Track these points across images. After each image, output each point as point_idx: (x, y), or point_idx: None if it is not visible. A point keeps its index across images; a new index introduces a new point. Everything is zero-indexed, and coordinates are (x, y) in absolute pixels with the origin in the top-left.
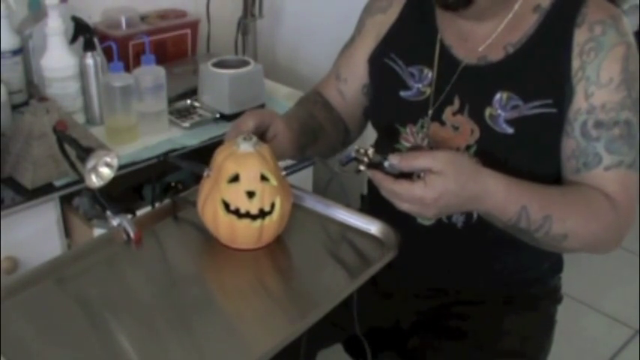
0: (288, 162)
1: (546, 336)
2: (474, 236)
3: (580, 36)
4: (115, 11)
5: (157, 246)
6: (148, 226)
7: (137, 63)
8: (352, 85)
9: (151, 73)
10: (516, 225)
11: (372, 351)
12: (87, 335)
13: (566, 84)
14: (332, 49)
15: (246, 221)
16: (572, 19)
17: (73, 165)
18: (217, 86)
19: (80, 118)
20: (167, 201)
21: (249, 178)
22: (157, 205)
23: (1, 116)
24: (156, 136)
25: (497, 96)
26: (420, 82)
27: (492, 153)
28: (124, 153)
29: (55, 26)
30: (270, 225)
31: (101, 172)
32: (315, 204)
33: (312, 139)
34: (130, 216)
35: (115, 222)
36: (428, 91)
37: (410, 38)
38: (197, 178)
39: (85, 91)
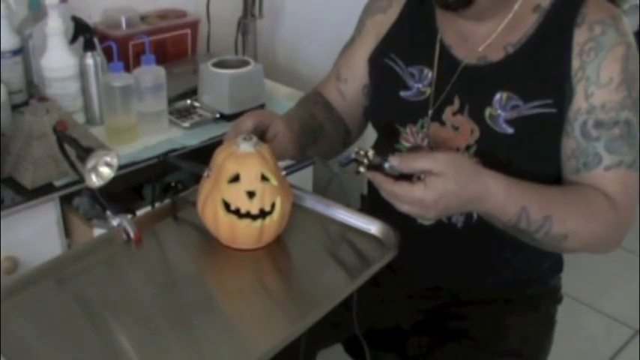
0: (288, 162)
1: (546, 336)
2: (474, 236)
3: (580, 36)
4: (115, 11)
5: (157, 246)
6: (147, 226)
7: (137, 63)
8: (352, 86)
9: (151, 73)
10: (516, 225)
11: (372, 351)
12: (87, 335)
13: (566, 84)
14: (332, 49)
15: (246, 221)
16: (571, 19)
17: (73, 165)
18: (217, 86)
19: (80, 118)
20: (167, 201)
21: (250, 178)
22: (156, 205)
23: (1, 116)
24: (156, 136)
25: (497, 96)
26: (420, 82)
27: (492, 153)
28: (124, 153)
29: (55, 26)
30: (271, 225)
31: (101, 172)
32: (315, 204)
33: (312, 139)
34: (130, 216)
35: (115, 222)
36: (428, 91)
37: (410, 38)
38: (197, 178)
39: (85, 91)
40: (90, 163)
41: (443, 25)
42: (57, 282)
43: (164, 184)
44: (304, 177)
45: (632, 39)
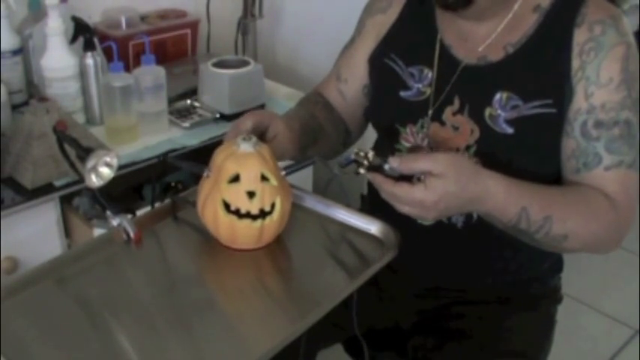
0: (288, 162)
1: (546, 336)
2: (474, 236)
3: (580, 36)
4: (115, 11)
5: (157, 246)
6: (147, 226)
7: (137, 63)
8: (353, 86)
9: (151, 73)
10: (516, 226)
11: (372, 351)
12: (87, 335)
13: (565, 84)
14: (332, 49)
15: (246, 221)
16: (571, 19)
17: (73, 165)
18: (217, 86)
19: (80, 118)
20: (167, 201)
21: (250, 178)
22: (156, 205)
23: (1, 116)
24: (156, 136)
25: (497, 96)
26: (420, 82)
27: (492, 153)
28: (124, 153)
29: (55, 26)
30: (271, 225)
31: (101, 172)
32: (315, 204)
33: (312, 139)
34: (130, 216)
35: (115, 222)
36: (428, 91)
37: (410, 38)
38: (197, 178)
39: (85, 91)
40: (90, 163)
41: (443, 25)
42: (57, 282)
43: (164, 184)
44: (304, 177)
45: (632, 39)
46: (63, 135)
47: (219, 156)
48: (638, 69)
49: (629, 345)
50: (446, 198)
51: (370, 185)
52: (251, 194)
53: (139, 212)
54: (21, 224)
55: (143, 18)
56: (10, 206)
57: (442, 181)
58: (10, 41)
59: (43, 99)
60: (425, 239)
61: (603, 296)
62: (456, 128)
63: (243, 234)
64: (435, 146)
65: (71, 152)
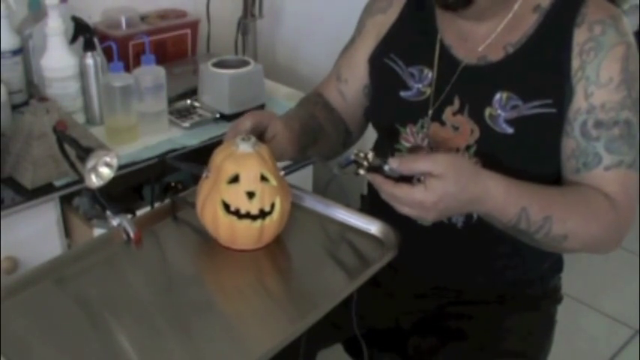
0: (287, 162)
1: (546, 336)
2: (474, 236)
3: (580, 36)
4: (115, 11)
5: (157, 246)
6: (147, 227)
7: (137, 63)
8: (353, 86)
9: (151, 73)
10: (516, 226)
11: (373, 351)
12: (87, 335)
13: (565, 84)
14: (332, 49)
15: (246, 222)
16: (571, 19)
17: (73, 165)
18: (217, 86)
19: (80, 118)
20: (167, 201)
21: (249, 179)
22: (156, 205)
23: (1, 116)
24: (156, 136)
25: (497, 96)
26: (420, 82)
27: (492, 153)
28: (124, 153)
29: (55, 26)
30: (271, 225)
31: (101, 172)
32: (315, 204)
33: (312, 139)
34: (129, 216)
35: (115, 222)
36: (428, 91)
37: (410, 38)
38: (197, 178)
39: (85, 91)
40: (90, 163)
41: (443, 25)
42: (57, 282)
43: (164, 184)
44: (304, 177)
45: (632, 39)
46: (63, 135)
47: (218, 156)
48: (638, 69)
49: (629, 345)
50: (446, 199)
51: (370, 185)
52: (251, 194)
53: (139, 212)
54: (21, 224)
55: (143, 18)
56: (10, 206)
57: (442, 182)
58: (10, 41)
59: (43, 99)
60: (425, 239)
61: (603, 296)
62: (456, 128)
63: (243, 234)
64: (435, 146)
65: (71, 152)
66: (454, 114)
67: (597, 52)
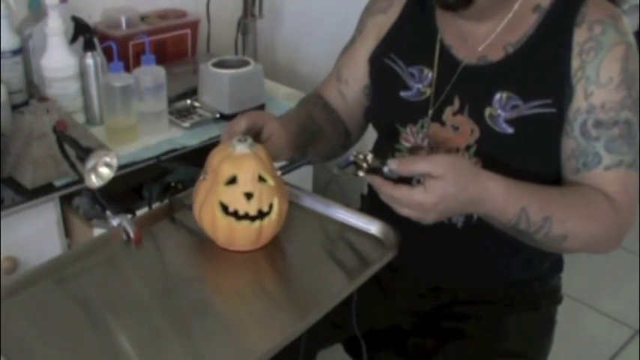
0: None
1: (546, 336)
2: (474, 236)
3: (580, 35)
4: (115, 11)
5: (157, 246)
6: (145, 228)
7: (137, 63)
8: (353, 87)
9: (151, 73)
10: (516, 226)
11: (373, 351)
12: (87, 335)
13: (565, 84)
14: (332, 49)
15: (245, 223)
16: (571, 19)
17: (72, 165)
18: (217, 86)
19: (80, 118)
20: (164, 202)
21: (247, 180)
22: (154, 205)
23: (1, 116)
24: (156, 136)
25: (497, 96)
26: (420, 82)
27: (492, 153)
28: (124, 153)
29: (55, 26)
30: (269, 225)
31: (101, 172)
32: (315, 204)
33: (310, 140)
34: (129, 216)
35: (115, 222)
36: (428, 91)
37: (410, 38)
38: (196, 179)
39: (85, 91)
40: (90, 164)
41: (443, 25)
42: (57, 282)
43: (164, 184)
44: (304, 177)
45: (632, 39)
46: (63, 135)
47: (215, 158)
48: (638, 69)
49: (629, 345)
50: (445, 200)
51: (370, 185)
52: (249, 195)
53: (139, 212)
54: (21, 224)
55: (143, 18)
56: (10, 206)
57: (441, 183)
58: (10, 41)
59: (43, 99)
60: (425, 239)
61: (603, 296)
62: (456, 128)
63: (242, 235)
64: (435, 146)
65: (71, 152)
66: (454, 114)
67: (597, 51)
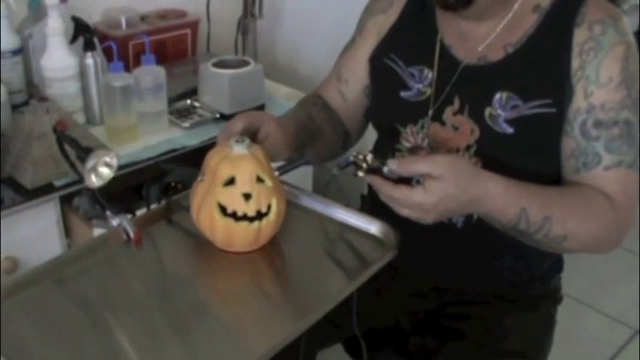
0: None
1: (546, 336)
2: (474, 236)
3: (580, 35)
4: (115, 11)
5: (157, 247)
6: (144, 228)
7: (137, 63)
8: (354, 87)
9: (151, 73)
10: (516, 227)
11: (373, 351)
12: (86, 335)
13: (565, 83)
14: (332, 48)
15: (243, 224)
16: (571, 19)
17: (72, 165)
18: (217, 86)
19: (80, 118)
20: (162, 203)
21: (245, 181)
22: (152, 207)
23: (1, 116)
24: (156, 136)
25: (497, 96)
26: (420, 82)
27: (492, 153)
28: (124, 153)
29: (55, 26)
30: (267, 226)
31: (101, 172)
32: (315, 204)
33: (309, 140)
34: (129, 216)
35: (114, 222)
36: (428, 91)
37: (410, 38)
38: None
39: (85, 91)
40: (89, 164)
41: (443, 25)
42: (57, 282)
43: (164, 184)
44: (303, 176)
45: (632, 39)
46: (63, 135)
47: (212, 159)
48: (638, 69)
49: (629, 345)
50: (445, 200)
51: (370, 185)
52: (247, 196)
53: (139, 212)
54: (21, 224)
55: (143, 18)
56: (10, 206)
57: (441, 184)
58: (10, 41)
59: (43, 99)
60: (425, 239)
61: (603, 296)
62: (456, 128)
63: (240, 236)
64: (436, 146)
65: (71, 152)
66: (454, 114)
67: (597, 51)
